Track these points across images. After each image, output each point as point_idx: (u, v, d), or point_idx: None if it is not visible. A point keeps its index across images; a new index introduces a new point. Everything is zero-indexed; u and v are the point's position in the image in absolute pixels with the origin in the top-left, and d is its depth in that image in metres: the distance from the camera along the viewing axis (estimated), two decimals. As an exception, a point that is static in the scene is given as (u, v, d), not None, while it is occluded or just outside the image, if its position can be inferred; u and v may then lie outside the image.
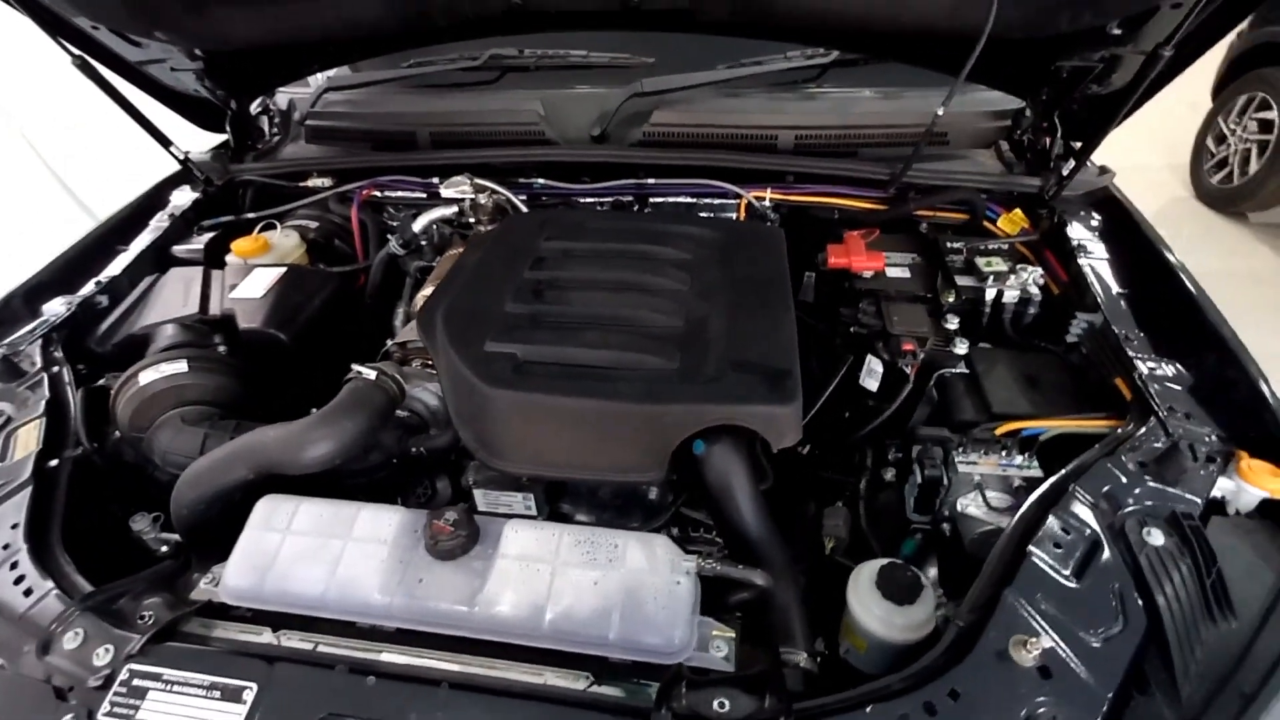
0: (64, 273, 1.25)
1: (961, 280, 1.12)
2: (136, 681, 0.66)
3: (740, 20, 1.17)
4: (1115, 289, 1.04)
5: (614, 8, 1.16)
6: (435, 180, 1.38)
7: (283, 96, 1.66)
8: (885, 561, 0.83)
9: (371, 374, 0.89)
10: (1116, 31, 1.02)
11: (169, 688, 0.65)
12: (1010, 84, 1.24)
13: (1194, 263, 3.20)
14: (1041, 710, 0.61)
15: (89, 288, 1.20)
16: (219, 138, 1.54)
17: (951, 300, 1.09)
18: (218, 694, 0.64)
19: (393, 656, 0.69)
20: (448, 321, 0.92)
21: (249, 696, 0.64)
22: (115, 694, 0.65)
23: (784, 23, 1.16)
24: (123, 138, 2.86)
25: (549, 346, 0.87)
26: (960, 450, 0.92)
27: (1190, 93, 4.10)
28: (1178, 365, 0.91)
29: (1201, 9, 0.92)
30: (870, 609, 0.81)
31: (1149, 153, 4.52)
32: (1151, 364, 0.91)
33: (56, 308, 1.14)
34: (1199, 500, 0.76)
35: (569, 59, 1.46)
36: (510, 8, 1.19)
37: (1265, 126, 3.58)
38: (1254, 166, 3.67)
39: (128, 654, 0.68)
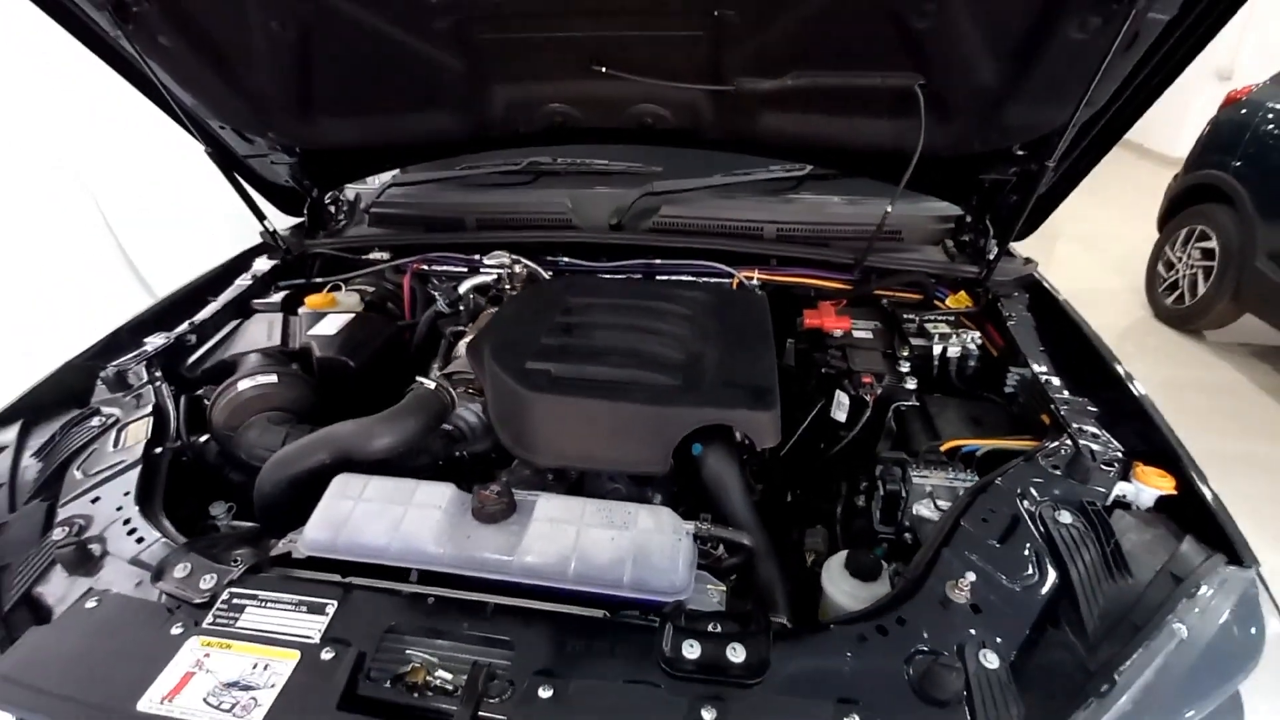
0: (162, 315, 1.48)
1: (914, 340, 1.35)
2: (236, 600, 0.81)
3: (730, 138, 1.49)
4: (1038, 346, 1.27)
5: (633, 126, 1.49)
6: (477, 257, 1.66)
7: (350, 190, 1.99)
8: (851, 550, 0.99)
9: (432, 384, 1.10)
10: (1020, 152, 1.33)
11: (263, 604, 0.80)
12: (945, 192, 1.54)
13: (1157, 374, 3.48)
14: (974, 634, 0.76)
15: (183, 327, 1.42)
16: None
17: (906, 354, 1.31)
18: (304, 609, 0.79)
19: (445, 593, 0.84)
20: (494, 348, 1.13)
21: (330, 610, 0.79)
22: (218, 609, 0.80)
23: (764, 141, 1.49)
24: (187, 216, 3.02)
25: (576, 365, 1.08)
26: (914, 468, 1.11)
27: (1145, 225, 4.57)
28: (1086, 400, 1.11)
29: (1077, 135, 1.22)
30: (840, 586, 0.96)
31: (1111, 278, 4.97)
32: (1065, 397, 1.12)
33: (156, 340, 1.36)
34: (1102, 493, 0.94)
35: (593, 166, 1.80)
36: (552, 124, 1.53)
37: (1208, 254, 3.98)
38: (1201, 289, 4.04)
39: (229, 580, 0.83)
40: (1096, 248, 5.61)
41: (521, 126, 1.54)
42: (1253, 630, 0.76)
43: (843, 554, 0.98)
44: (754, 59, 1.27)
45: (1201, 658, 0.72)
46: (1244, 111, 3.89)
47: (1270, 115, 3.69)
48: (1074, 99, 1.12)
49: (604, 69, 1.33)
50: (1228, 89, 4.19)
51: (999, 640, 0.76)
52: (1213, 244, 3.92)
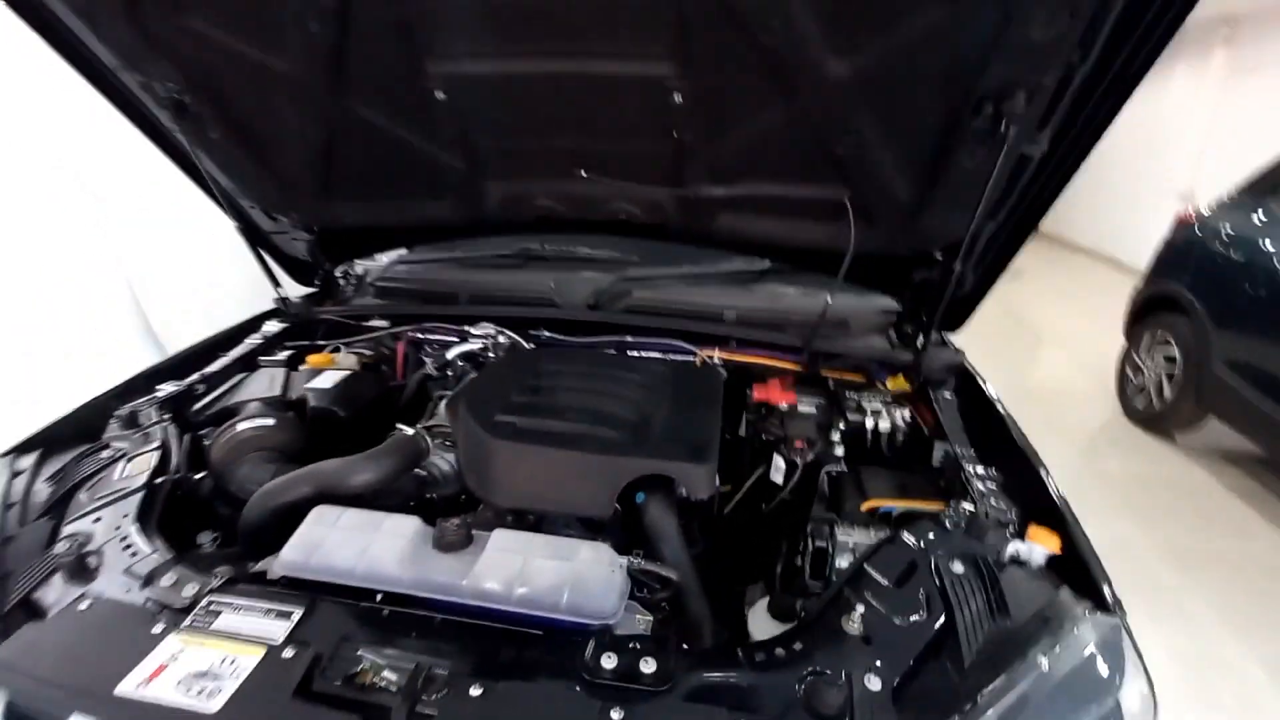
0: (176, 366, 1.63)
1: (851, 416, 1.50)
2: (213, 606, 0.91)
3: (692, 233, 1.71)
4: (959, 424, 1.42)
5: (610, 220, 1.71)
6: (467, 328, 1.84)
7: (359, 266, 2.21)
8: (772, 596, 1.09)
9: (410, 431, 1.23)
10: (939, 256, 1.53)
11: (237, 610, 0.90)
12: (885, 287, 1.74)
13: (1128, 471, 3.69)
14: (862, 661, 0.86)
15: (194, 377, 1.57)
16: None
17: (842, 427, 1.45)
18: (273, 615, 0.89)
19: (398, 609, 0.94)
20: (468, 402, 1.28)
21: (295, 616, 0.89)
22: (196, 613, 0.90)
23: (720, 237, 1.70)
24: (187, 217, 3.05)
25: (539, 419, 1.22)
26: (840, 526, 1.22)
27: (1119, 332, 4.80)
28: (994, 470, 1.25)
29: (988, 241, 1.43)
30: (763, 627, 1.06)
31: (1087, 380, 5.17)
32: (976, 468, 1.25)
33: (168, 387, 1.51)
34: (995, 549, 1.05)
35: (577, 253, 2.02)
36: (539, 216, 1.75)
37: (1170, 359, 4.18)
38: (1167, 393, 4.21)
39: (210, 589, 0.93)
40: (1075, 352, 5.88)
41: (513, 217, 1.77)
42: (1108, 669, 0.85)
43: (765, 599, 1.08)
44: (709, 170, 1.50)
45: (1058, 689, 0.82)
46: (1196, 230, 4.20)
47: (1215, 235, 4.01)
48: (973, 212, 1.33)
49: (585, 173, 1.57)
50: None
51: (884, 667, 0.85)
52: (1174, 350, 4.13)
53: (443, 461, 1.32)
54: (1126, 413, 4.62)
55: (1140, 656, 0.91)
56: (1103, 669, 0.86)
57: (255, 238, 1.83)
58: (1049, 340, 6.40)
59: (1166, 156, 8.52)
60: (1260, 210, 3.87)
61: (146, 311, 3.09)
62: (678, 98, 1.32)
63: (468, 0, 1.22)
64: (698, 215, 1.65)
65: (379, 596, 0.98)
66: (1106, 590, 0.97)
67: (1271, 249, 3.61)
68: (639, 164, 1.53)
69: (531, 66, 1.34)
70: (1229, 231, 3.93)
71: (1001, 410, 1.45)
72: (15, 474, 1.21)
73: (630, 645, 0.87)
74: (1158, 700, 0.87)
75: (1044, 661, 0.84)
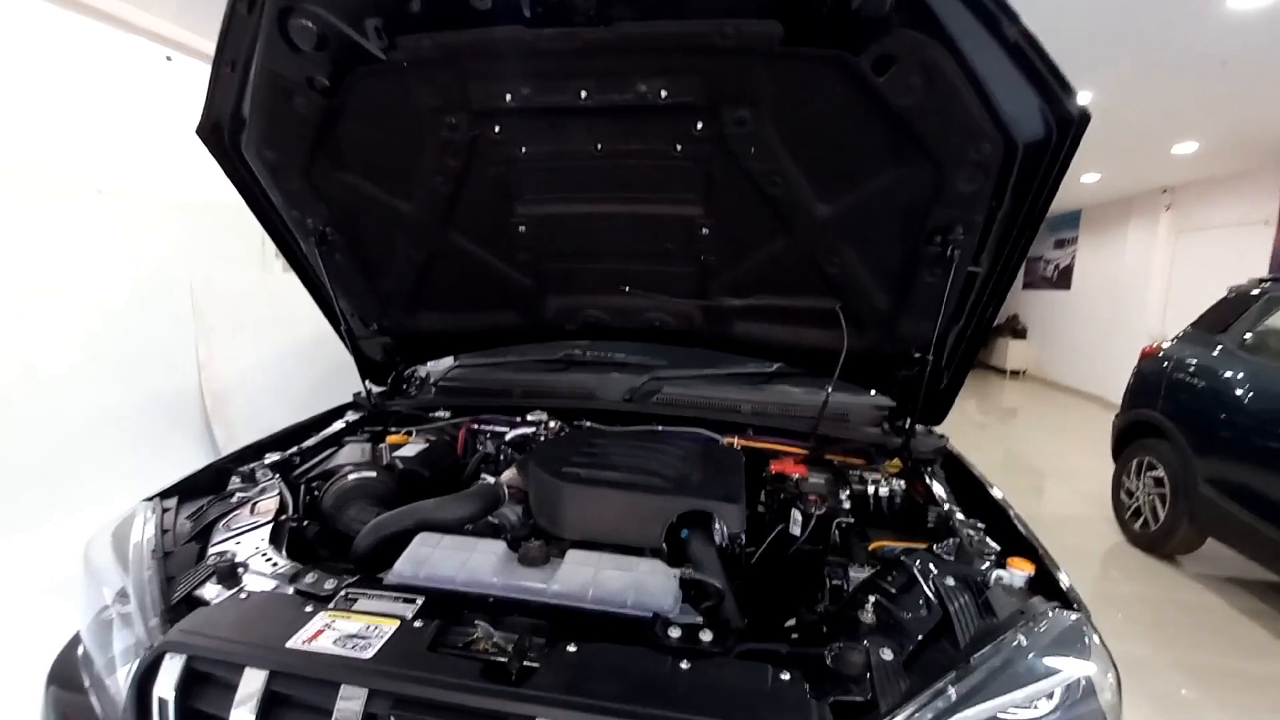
0: (276, 442, 1.92)
1: (855, 486, 1.75)
2: (350, 594, 1.13)
3: (714, 339, 2.07)
4: (946, 490, 1.67)
5: (646, 328, 2.09)
6: (518, 419, 2.14)
7: (421, 369, 2.56)
8: (798, 617, 1.29)
9: (492, 480, 1.50)
10: (916, 355, 1.87)
11: (370, 598, 1.12)
12: (877, 385, 2.07)
13: (1135, 593, 3.86)
14: (877, 639, 1.06)
15: (291, 450, 1.85)
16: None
17: (846, 494, 1.71)
18: (401, 601, 1.11)
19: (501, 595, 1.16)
20: (537, 459, 1.55)
21: (418, 602, 1.10)
22: (337, 599, 1.12)
23: (738, 341, 2.06)
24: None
25: (598, 471, 1.49)
26: (852, 567, 1.44)
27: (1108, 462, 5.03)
28: (975, 520, 1.49)
29: (954, 341, 1.78)
30: (791, 639, 1.24)
31: (1084, 508, 5.32)
32: (962, 517, 1.49)
33: (273, 456, 1.79)
34: (982, 572, 1.27)
35: (613, 358, 2.38)
36: (588, 325, 2.13)
37: (1159, 482, 4.39)
38: (1162, 514, 4.37)
39: (347, 584, 1.15)
40: (1073, 482, 6.09)
41: (567, 324, 2.15)
42: (1070, 649, 1.05)
43: (792, 620, 1.28)
44: (728, 286, 1.90)
45: (1031, 659, 1.02)
46: (1164, 363, 4.60)
47: (1179, 365, 4.41)
48: (937, 319, 1.69)
49: (627, 289, 1.96)
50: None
51: (895, 644, 1.06)
52: (1161, 472, 4.35)
53: (511, 512, 1.56)
54: (1128, 538, 4.72)
55: (1105, 646, 1.11)
56: (1066, 648, 1.06)
57: (352, 342, 2.20)
58: (1048, 472, 6.61)
59: (1132, 304, 9.33)
60: (1210, 345, 4.31)
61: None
62: (704, 231, 1.74)
63: (552, 163, 1.68)
64: (719, 322, 2.02)
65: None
66: (1073, 598, 1.18)
67: (1228, 376, 4.00)
68: (672, 281, 1.93)
69: (593, 209, 1.78)
70: (1191, 362, 4.34)
71: (981, 479, 1.71)
72: (164, 510, 1.46)
73: (689, 625, 1.08)
74: (1121, 681, 1.06)
75: (1021, 638, 1.05)
